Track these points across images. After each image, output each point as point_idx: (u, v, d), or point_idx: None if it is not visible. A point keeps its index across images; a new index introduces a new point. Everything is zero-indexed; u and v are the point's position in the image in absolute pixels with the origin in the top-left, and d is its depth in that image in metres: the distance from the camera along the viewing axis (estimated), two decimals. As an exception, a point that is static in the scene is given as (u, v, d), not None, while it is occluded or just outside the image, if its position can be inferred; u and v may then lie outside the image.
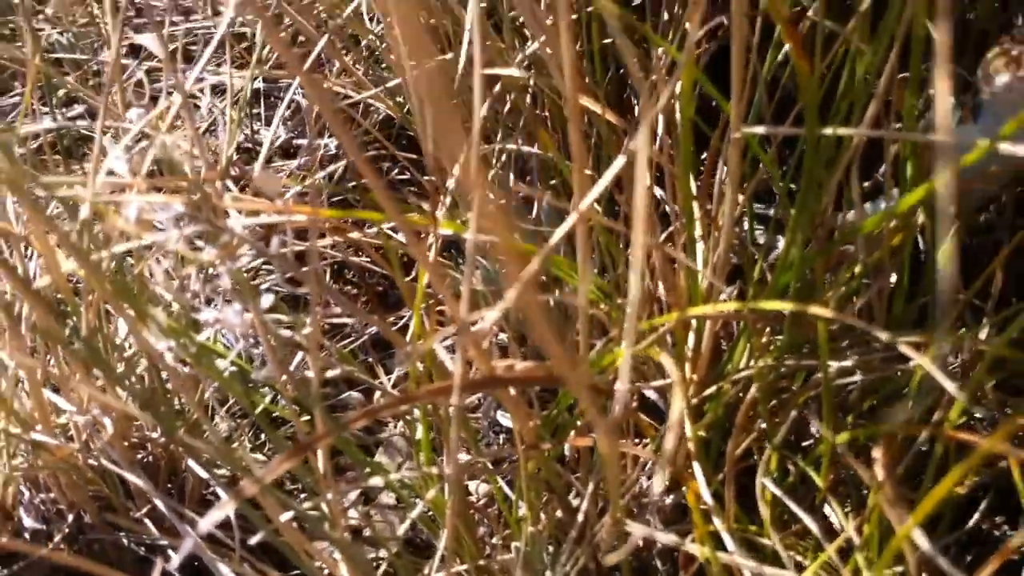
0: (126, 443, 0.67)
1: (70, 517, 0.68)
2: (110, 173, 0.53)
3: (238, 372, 0.62)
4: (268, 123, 1.10)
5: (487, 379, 0.48)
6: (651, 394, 0.74)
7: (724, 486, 0.58)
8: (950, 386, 0.44)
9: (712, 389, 0.65)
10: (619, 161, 0.44)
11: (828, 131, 0.47)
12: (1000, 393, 0.57)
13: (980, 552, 0.66)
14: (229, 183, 0.64)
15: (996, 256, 0.55)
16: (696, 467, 0.61)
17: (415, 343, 0.53)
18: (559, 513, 0.64)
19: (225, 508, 0.33)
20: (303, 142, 1.07)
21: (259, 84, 1.11)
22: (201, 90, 0.91)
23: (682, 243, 0.60)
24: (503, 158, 0.83)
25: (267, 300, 0.50)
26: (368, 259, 0.78)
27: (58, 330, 0.57)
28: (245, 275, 0.48)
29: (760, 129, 0.51)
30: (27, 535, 0.70)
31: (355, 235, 0.52)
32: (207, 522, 0.33)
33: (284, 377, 0.56)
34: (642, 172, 0.32)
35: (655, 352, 0.49)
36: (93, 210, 0.50)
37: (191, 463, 0.69)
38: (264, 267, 0.83)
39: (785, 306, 0.47)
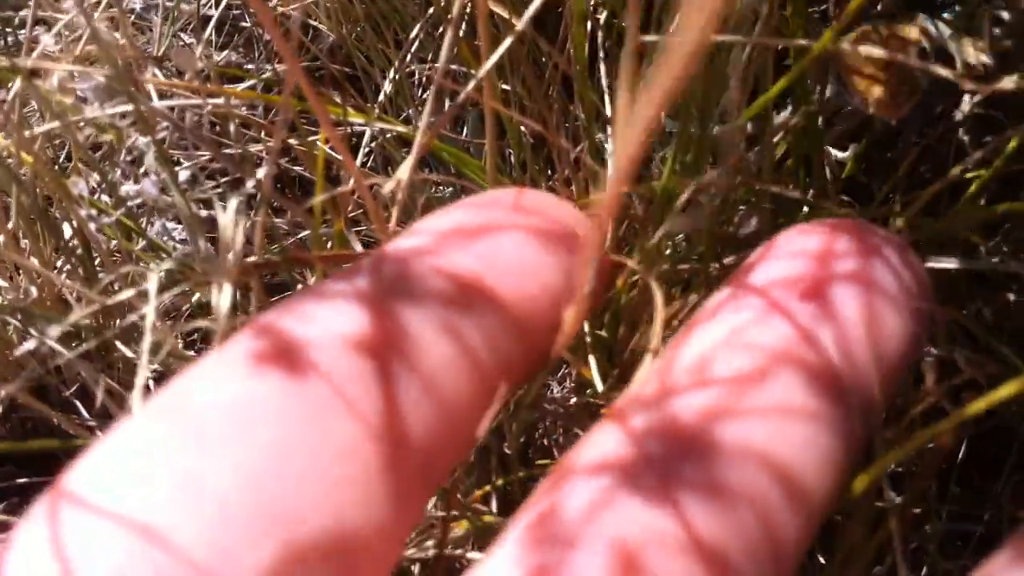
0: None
1: (1, 392, 0.71)
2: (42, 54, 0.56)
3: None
4: (221, 48, 1.12)
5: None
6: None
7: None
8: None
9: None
10: (507, 41, 0.48)
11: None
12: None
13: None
14: (159, 72, 0.67)
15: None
16: (591, 360, 0.65)
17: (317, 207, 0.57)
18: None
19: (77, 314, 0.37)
20: (252, 67, 1.09)
21: (213, 11, 1.13)
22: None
23: (587, 147, 0.64)
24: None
25: (184, 174, 0.53)
26: (303, 168, 0.82)
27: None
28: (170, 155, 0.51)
29: (652, 37, 0.55)
30: (-40, 413, 0.73)
31: (292, 141, 0.56)
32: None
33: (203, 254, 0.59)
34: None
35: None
36: (23, 85, 0.53)
37: (121, 347, 0.73)
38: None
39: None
